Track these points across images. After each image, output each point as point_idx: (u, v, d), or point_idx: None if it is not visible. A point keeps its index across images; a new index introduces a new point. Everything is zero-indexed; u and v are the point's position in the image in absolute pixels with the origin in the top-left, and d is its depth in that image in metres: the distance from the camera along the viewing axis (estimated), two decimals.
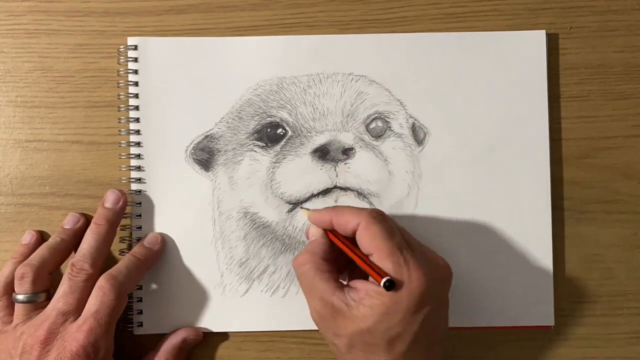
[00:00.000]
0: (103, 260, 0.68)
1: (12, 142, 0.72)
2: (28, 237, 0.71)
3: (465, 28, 0.72)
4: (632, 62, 0.72)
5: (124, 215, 0.70)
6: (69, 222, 0.70)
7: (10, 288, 0.67)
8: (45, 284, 0.67)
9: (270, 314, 0.71)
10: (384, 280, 0.56)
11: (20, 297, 0.66)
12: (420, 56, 0.71)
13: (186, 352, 0.70)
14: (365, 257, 0.60)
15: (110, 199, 0.69)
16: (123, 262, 0.67)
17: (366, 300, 0.58)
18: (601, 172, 0.72)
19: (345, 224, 0.62)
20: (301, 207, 0.70)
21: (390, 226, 0.61)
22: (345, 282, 0.62)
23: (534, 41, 0.71)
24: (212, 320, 0.71)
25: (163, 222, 0.71)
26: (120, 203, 0.69)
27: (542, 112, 0.71)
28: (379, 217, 0.61)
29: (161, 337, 0.70)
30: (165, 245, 0.71)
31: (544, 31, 0.71)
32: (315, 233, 0.65)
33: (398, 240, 0.60)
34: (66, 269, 0.66)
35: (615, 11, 0.72)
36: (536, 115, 0.71)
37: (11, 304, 0.67)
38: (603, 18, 0.72)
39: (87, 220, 0.71)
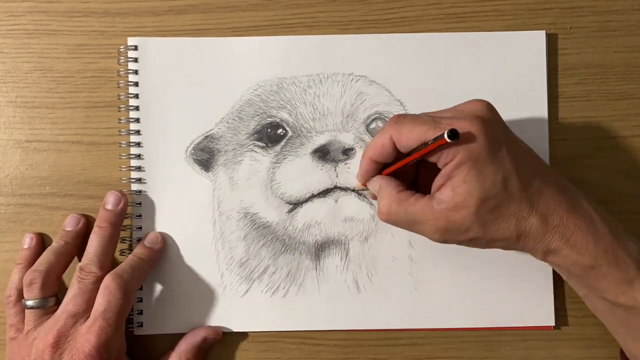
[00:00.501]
0: (110, 262, 0.68)
1: (12, 142, 0.72)
2: (28, 241, 0.71)
3: (466, 28, 0.72)
4: (632, 62, 0.72)
5: (124, 216, 0.70)
6: (70, 223, 0.70)
7: (21, 295, 0.68)
8: (53, 289, 0.67)
9: (270, 314, 0.71)
10: (446, 134, 0.54)
11: (29, 302, 0.66)
12: (420, 56, 0.71)
13: (205, 351, 0.70)
14: (420, 147, 0.59)
15: (110, 200, 0.69)
16: (127, 262, 0.67)
17: (455, 181, 0.57)
18: (601, 172, 0.72)
19: (382, 148, 0.61)
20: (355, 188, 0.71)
21: (414, 115, 0.61)
22: None
23: (534, 41, 0.71)
24: (212, 321, 0.71)
25: (163, 223, 0.71)
26: (121, 204, 0.69)
27: (542, 112, 0.71)
28: (400, 117, 0.60)
29: (161, 338, 0.70)
30: (165, 244, 0.71)
31: (543, 31, 0.71)
32: (375, 183, 0.64)
33: (428, 117, 0.59)
34: (74, 272, 0.66)
35: (615, 11, 0.72)
36: (536, 116, 0.71)
37: (23, 310, 0.67)
38: (603, 18, 0.72)
39: (88, 220, 0.71)
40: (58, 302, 0.67)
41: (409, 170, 0.65)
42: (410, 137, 0.59)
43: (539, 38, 0.71)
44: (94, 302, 0.65)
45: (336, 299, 0.70)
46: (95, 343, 0.62)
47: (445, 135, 0.54)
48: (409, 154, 0.60)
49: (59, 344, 0.63)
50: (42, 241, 0.71)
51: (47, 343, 0.63)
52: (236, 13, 0.72)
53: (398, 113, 0.63)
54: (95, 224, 0.69)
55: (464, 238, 0.59)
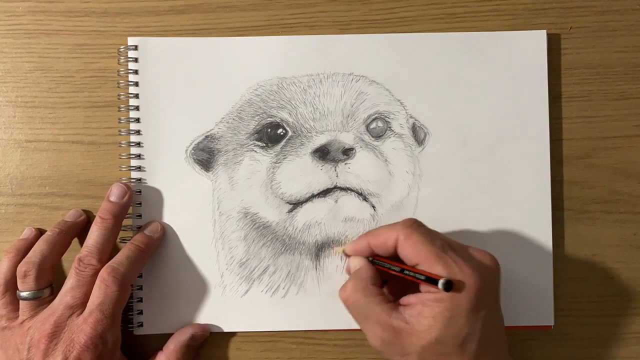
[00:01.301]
0: (109, 255, 0.68)
1: (12, 142, 0.72)
2: (27, 232, 0.71)
3: (466, 28, 0.72)
4: (633, 62, 0.72)
5: (128, 209, 0.70)
6: (71, 215, 0.71)
7: (11, 284, 0.68)
8: (48, 279, 0.67)
9: (270, 315, 0.71)
10: (441, 282, 0.56)
11: (24, 294, 0.66)
12: (420, 56, 0.71)
13: (195, 349, 0.70)
14: (414, 269, 0.60)
15: (115, 192, 0.69)
16: (124, 253, 0.67)
17: (426, 311, 0.58)
18: (601, 172, 0.72)
19: (384, 242, 0.62)
20: (333, 248, 0.71)
21: (429, 231, 0.61)
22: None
23: (535, 41, 0.71)
24: (212, 321, 0.71)
25: (163, 223, 0.71)
26: (126, 197, 0.69)
27: (543, 112, 0.71)
28: (415, 225, 0.61)
29: (161, 338, 0.70)
30: (165, 235, 0.71)
31: (544, 31, 0.71)
32: (357, 262, 0.65)
33: (440, 243, 0.60)
34: (73, 263, 0.66)
35: (615, 11, 0.72)
36: (536, 115, 0.71)
37: (14, 300, 0.67)
38: (603, 18, 0.72)
39: (89, 217, 0.71)
40: (53, 292, 0.67)
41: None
42: (414, 250, 0.60)
43: (539, 38, 0.71)
44: (90, 293, 0.65)
45: (336, 299, 0.69)
46: (91, 334, 0.62)
47: (440, 284, 0.56)
48: (400, 270, 0.61)
49: (55, 334, 0.63)
50: (41, 235, 0.71)
51: (44, 333, 0.63)
52: (236, 13, 0.72)
53: (415, 219, 0.63)
54: (98, 214, 0.68)
55: (398, 358, 0.60)
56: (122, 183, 0.70)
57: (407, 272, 0.60)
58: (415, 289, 0.61)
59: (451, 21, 0.72)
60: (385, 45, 0.71)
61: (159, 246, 0.70)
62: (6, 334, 0.66)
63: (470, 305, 0.57)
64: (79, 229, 0.71)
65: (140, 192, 0.71)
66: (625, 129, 0.72)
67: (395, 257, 0.62)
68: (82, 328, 0.63)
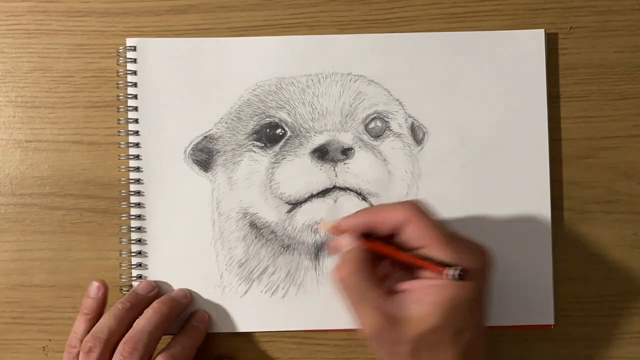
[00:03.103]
0: (155, 346, 0.66)
1: (12, 142, 0.72)
2: (94, 291, 0.68)
3: (466, 28, 0.72)
4: (633, 62, 0.72)
5: (123, 217, 0.71)
6: (143, 288, 0.69)
7: None
8: (110, 357, 0.65)
9: (270, 315, 0.71)
10: (456, 270, 0.55)
11: None
12: (419, 56, 0.71)
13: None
14: (419, 256, 0.58)
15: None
16: (149, 324, 0.65)
17: (427, 298, 0.57)
18: (601, 172, 0.72)
19: (384, 221, 0.60)
20: (320, 223, 0.70)
21: (434, 215, 0.60)
22: None
23: (533, 40, 0.71)
24: (212, 321, 0.71)
25: (162, 223, 0.71)
26: (188, 298, 0.70)
27: (542, 112, 0.71)
28: (423, 207, 0.60)
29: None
30: (159, 290, 0.70)
31: (542, 30, 0.71)
32: (349, 242, 0.61)
33: (447, 229, 0.59)
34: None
35: (615, 11, 0.72)
36: (536, 115, 0.71)
37: None
38: (603, 18, 0.72)
39: (160, 290, 0.70)
40: None
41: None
42: (418, 234, 0.58)
43: (538, 37, 0.71)
44: None
45: (336, 299, 0.69)
46: None
47: (452, 272, 0.56)
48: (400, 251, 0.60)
49: None
50: (107, 292, 0.69)
51: None
52: (236, 13, 0.72)
53: (419, 200, 0.60)
54: (155, 302, 0.67)
55: (389, 348, 0.57)
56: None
57: (411, 258, 0.59)
58: (408, 275, 0.60)
59: (451, 21, 0.72)
60: (383, 45, 0.71)
61: (159, 246, 0.71)
62: None
63: (475, 295, 0.57)
64: (147, 303, 0.68)
65: (139, 192, 0.71)
66: (625, 129, 0.72)
67: (388, 238, 0.61)
68: None
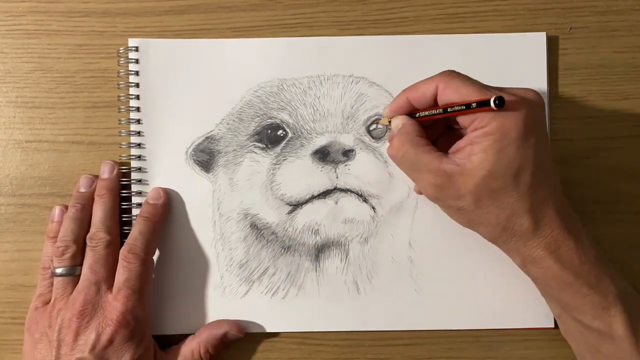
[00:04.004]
0: (116, 226, 0.69)
1: (12, 142, 0.72)
2: (58, 213, 0.70)
3: (466, 28, 0.72)
4: (633, 63, 0.72)
5: (125, 218, 0.70)
6: (84, 184, 0.70)
7: None
8: (82, 257, 0.68)
9: (270, 316, 0.71)
10: (492, 99, 0.55)
11: (59, 270, 0.67)
12: (420, 58, 0.71)
13: (225, 345, 0.70)
14: (461, 103, 0.59)
15: (106, 169, 0.70)
16: (135, 228, 0.68)
17: (475, 148, 0.58)
18: (601, 172, 0.72)
19: (423, 94, 0.62)
20: (379, 121, 0.71)
21: (467, 76, 0.61)
22: None
23: (534, 43, 0.71)
24: (169, 198, 0.71)
25: (163, 224, 0.71)
26: (115, 170, 0.70)
27: None
28: (454, 72, 0.61)
29: (161, 339, 0.70)
30: (169, 198, 0.71)
31: (544, 33, 0.71)
32: (399, 121, 0.64)
33: (476, 81, 0.60)
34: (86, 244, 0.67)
35: (615, 11, 0.72)
36: None
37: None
38: (603, 18, 0.72)
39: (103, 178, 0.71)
40: None
41: (435, 131, 0.66)
42: (456, 92, 0.59)
43: (539, 40, 0.71)
44: (111, 267, 0.67)
45: (336, 300, 0.70)
46: (122, 309, 0.64)
47: (492, 101, 0.55)
48: (444, 110, 0.60)
49: (85, 311, 0.64)
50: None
51: (75, 311, 0.64)
52: (236, 13, 0.72)
53: (452, 70, 0.62)
54: (95, 194, 0.69)
55: (454, 204, 0.60)
56: (108, 161, 0.71)
57: (452, 109, 0.59)
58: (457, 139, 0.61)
59: (451, 21, 0.72)
60: (385, 47, 0.71)
61: (158, 247, 0.71)
62: (35, 315, 0.67)
63: (519, 133, 0.57)
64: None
65: (140, 193, 0.71)
66: (625, 129, 0.72)
67: (433, 109, 0.62)
68: (113, 305, 0.64)
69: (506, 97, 0.56)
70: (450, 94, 0.59)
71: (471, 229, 0.63)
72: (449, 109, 0.60)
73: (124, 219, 0.71)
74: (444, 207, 0.63)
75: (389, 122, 0.66)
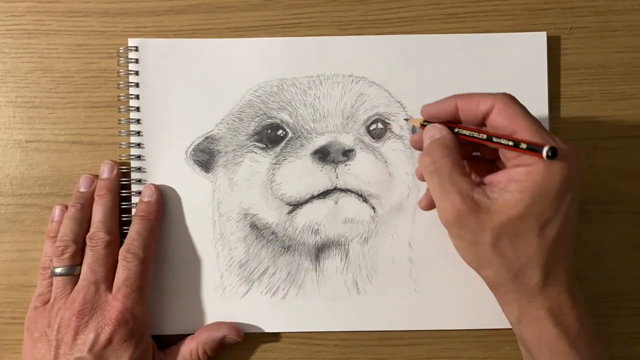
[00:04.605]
0: (116, 226, 0.70)
1: (12, 142, 0.72)
2: (58, 213, 0.70)
3: (466, 28, 0.72)
4: (633, 63, 0.72)
5: (124, 217, 0.70)
6: (84, 184, 0.70)
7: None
8: (81, 257, 0.68)
9: (270, 316, 0.71)
10: (546, 148, 0.52)
11: (58, 270, 0.67)
12: (420, 58, 0.71)
13: (223, 348, 0.70)
14: (512, 137, 0.56)
15: (106, 169, 0.70)
16: (132, 228, 0.68)
17: (512, 185, 0.55)
18: (601, 172, 0.72)
19: (475, 106, 0.58)
20: (406, 119, 0.71)
21: (526, 108, 0.58)
22: None
23: (535, 43, 0.71)
24: (211, 322, 0.71)
25: (162, 223, 0.71)
26: (115, 170, 0.70)
27: (543, 113, 0.71)
28: (514, 98, 0.58)
29: (161, 339, 0.70)
30: (162, 194, 0.71)
31: (544, 33, 0.71)
32: (438, 130, 0.61)
33: (538, 121, 0.57)
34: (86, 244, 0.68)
35: (615, 12, 0.72)
36: (536, 116, 0.70)
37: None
38: (603, 18, 0.72)
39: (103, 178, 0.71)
40: None
41: (462, 153, 0.62)
42: (509, 120, 0.57)
43: (540, 40, 0.71)
44: (110, 267, 0.67)
45: (336, 300, 0.70)
46: (121, 308, 0.64)
47: (545, 151, 0.53)
48: (488, 138, 0.58)
49: (84, 310, 0.64)
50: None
51: (74, 310, 0.64)
52: (236, 13, 0.72)
53: (509, 94, 0.59)
54: (95, 194, 0.70)
55: (470, 237, 0.57)
56: (108, 161, 0.71)
57: (498, 140, 0.56)
58: (494, 170, 0.59)
59: (451, 21, 0.72)
60: (385, 47, 0.71)
61: (158, 247, 0.70)
62: (35, 315, 0.67)
63: (561, 185, 0.54)
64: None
65: (140, 193, 0.70)
66: (625, 129, 0.72)
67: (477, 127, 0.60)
68: (112, 304, 0.65)
69: (559, 148, 0.54)
70: (503, 120, 0.57)
71: (475, 268, 0.60)
72: (494, 139, 0.57)
73: (123, 218, 0.70)
74: (456, 237, 0.59)
75: (422, 125, 0.64)
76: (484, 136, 0.58)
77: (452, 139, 0.60)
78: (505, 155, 0.58)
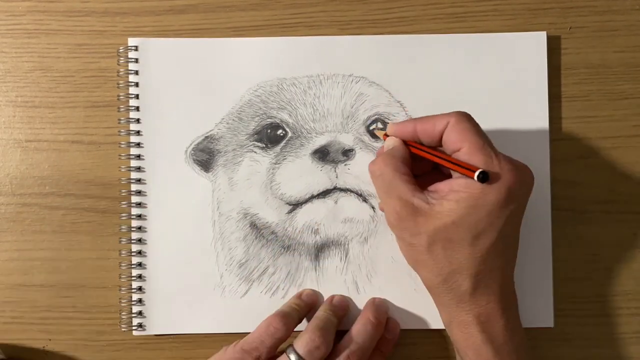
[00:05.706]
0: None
1: (12, 142, 0.72)
2: (312, 296, 0.71)
3: (465, 28, 0.72)
4: (633, 62, 0.72)
5: (123, 217, 0.70)
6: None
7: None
8: None
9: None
10: (477, 172, 0.56)
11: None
12: (420, 57, 0.71)
13: None
14: (451, 158, 0.60)
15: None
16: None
17: (451, 195, 0.58)
18: (601, 172, 0.72)
19: (432, 126, 0.61)
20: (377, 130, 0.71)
21: (479, 125, 0.61)
22: None
23: (535, 43, 0.71)
24: (212, 321, 0.71)
25: (163, 223, 0.71)
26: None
27: (543, 113, 0.71)
28: (469, 116, 0.61)
29: (161, 339, 0.70)
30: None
31: (544, 32, 0.71)
32: (392, 142, 0.64)
33: (487, 138, 0.60)
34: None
35: (615, 11, 0.72)
36: (536, 116, 0.71)
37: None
38: (603, 18, 0.72)
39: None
40: None
41: (425, 166, 0.66)
42: (459, 135, 0.59)
43: (540, 39, 0.71)
44: None
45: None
46: None
47: (476, 175, 0.56)
48: (432, 150, 0.62)
49: None
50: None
51: None
52: (236, 13, 0.72)
53: (463, 112, 0.61)
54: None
55: (408, 239, 0.60)
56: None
57: (440, 156, 0.61)
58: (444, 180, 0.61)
59: (451, 21, 0.72)
60: (385, 47, 0.71)
61: (159, 246, 0.71)
62: None
63: (497, 200, 0.57)
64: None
65: (139, 192, 0.70)
66: (625, 129, 0.72)
67: (435, 148, 0.62)
68: None
69: (496, 168, 0.57)
70: (454, 135, 0.60)
71: (414, 268, 0.63)
72: (437, 155, 0.61)
73: (122, 218, 0.70)
74: (398, 238, 0.63)
75: (386, 135, 0.66)
76: (429, 151, 0.62)
77: (400, 151, 0.63)
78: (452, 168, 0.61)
